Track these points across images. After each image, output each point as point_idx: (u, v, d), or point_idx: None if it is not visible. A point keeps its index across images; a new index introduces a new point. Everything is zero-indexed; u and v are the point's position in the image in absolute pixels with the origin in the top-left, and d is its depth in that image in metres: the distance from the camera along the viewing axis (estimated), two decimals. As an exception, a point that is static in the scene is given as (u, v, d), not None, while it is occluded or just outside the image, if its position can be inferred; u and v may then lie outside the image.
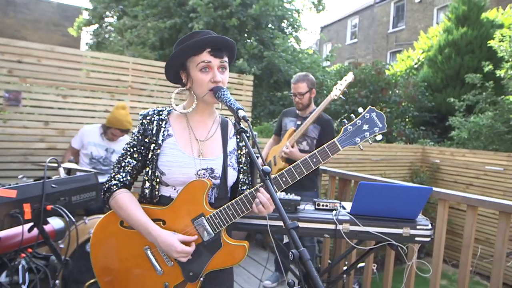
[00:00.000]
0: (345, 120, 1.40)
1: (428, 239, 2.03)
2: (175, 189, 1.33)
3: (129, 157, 1.34)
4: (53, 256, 1.80)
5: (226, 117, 1.50)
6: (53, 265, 1.84)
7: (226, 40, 1.30)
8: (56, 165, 1.94)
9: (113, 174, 1.34)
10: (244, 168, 1.44)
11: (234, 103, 1.20)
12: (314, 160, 1.30)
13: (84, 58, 4.04)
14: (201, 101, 1.35)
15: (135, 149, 1.34)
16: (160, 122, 1.35)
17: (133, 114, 3.95)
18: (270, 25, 8.87)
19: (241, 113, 1.14)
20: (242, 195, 1.27)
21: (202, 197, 1.28)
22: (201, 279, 1.30)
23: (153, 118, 1.35)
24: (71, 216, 1.59)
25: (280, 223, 2.03)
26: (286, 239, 2.14)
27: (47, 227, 1.79)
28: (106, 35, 10.69)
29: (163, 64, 4.45)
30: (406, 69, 10.52)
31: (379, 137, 1.37)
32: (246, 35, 8.78)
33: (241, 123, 1.16)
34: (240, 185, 1.43)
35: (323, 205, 2.17)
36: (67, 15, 15.16)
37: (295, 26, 9.72)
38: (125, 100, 4.15)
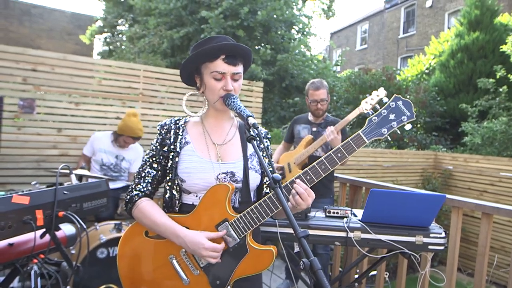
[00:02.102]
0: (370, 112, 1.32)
1: (442, 247, 1.99)
2: (197, 196, 1.32)
3: (148, 167, 1.36)
4: (64, 262, 1.81)
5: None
6: (65, 271, 1.85)
7: (241, 48, 1.29)
8: (68, 171, 1.96)
9: (134, 185, 1.36)
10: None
11: (244, 110, 1.19)
12: (339, 155, 1.23)
13: (96, 66, 4.10)
14: (212, 106, 1.37)
15: (154, 159, 1.36)
16: (177, 131, 1.37)
17: (144, 121, 3.99)
18: (279, 32, 8.89)
19: (251, 120, 1.13)
20: (265, 197, 1.24)
21: (225, 202, 1.25)
22: (228, 287, 1.26)
23: (170, 128, 1.37)
24: (82, 223, 1.60)
25: (291, 231, 2.01)
26: (296, 248, 2.12)
27: (58, 233, 1.80)
28: (118, 43, 10.86)
29: (174, 71, 4.52)
30: (417, 74, 10.43)
31: (408, 127, 1.29)
32: (256, 41, 8.82)
33: (251, 130, 1.15)
34: (265, 188, 1.42)
35: (334, 212, 2.15)
36: (80, 24, 15.47)
37: (305, 32, 9.74)
38: (136, 107, 4.19)
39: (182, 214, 1.30)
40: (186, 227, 1.26)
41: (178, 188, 1.32)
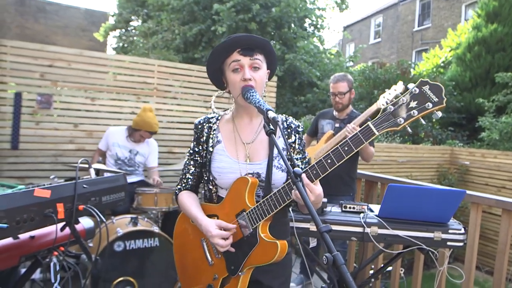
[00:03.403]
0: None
1: (461, 243, 1.95)
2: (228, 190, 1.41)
3: (188, 164, 1.48)
4: (83, 254, 1.85)
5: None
6: (84, 263, 1.88)
7: (255, 39, 1.29)
8: (87, 166, 1.99)
9: (180, 179, 1.51)
10: (303, 161, 1.41)
11: (264, 104, 1.18)
12: (346, 148, 1.15)
13: (111, 61, 4.13)
14: (237, 103, 1.38)
15: (192, 156, 1.47)
16: (210, 129, 1.43)
17: (158, 116, 4.02)
18: (292, 25, 8.83)
19: (271, 114, 1.12)
20: (280, 187, 1.25)
21: (245, 193, 1.31)
22: (240, 273, 1.32)
23: (203, 126, 1.44)
24: (102, 217, 1.62)
25: (307, 225, 2.01)
26: (312, 243, 2.11)
27: (77, 227, 1.83)
28: (131, 38, 10.94)
29: (188, 66, 4.53)
30: (433, 68, 10.23)
31: (437, 115, 1.13)
32: (268, 36, 8.78)
33: (270, 124, 1.14)
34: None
35: (350, 208, 2.13)
36: (94, 21, 15.64)
37: (318, 26, 9.64)
38: (150, 102, 4.22)
39: (215, 204, 1.42)
40: (216, 215, 1.38)
41: (213, 183, 1.41)
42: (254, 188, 1.32)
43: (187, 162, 1.49)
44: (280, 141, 1.38)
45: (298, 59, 8.08)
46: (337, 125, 3.09)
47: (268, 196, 1.26)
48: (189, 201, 1.44)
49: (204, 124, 1.45)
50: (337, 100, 3.04)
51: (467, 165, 6.25)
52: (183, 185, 1.50)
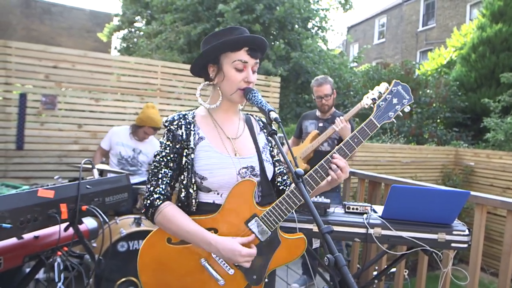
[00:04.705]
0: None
1: (465, 245, 1.94)
2: (218, 193, 1.28)
3: (164, 167, 1.26)
4: (87, 255, 1.85)
5: (246, 113, 1.49)
6: (87, 263, 1.89)
7: (262, 41, 1.28)
8: (90, 166, 2.00)
9: (152, 188, 1.25)
10: (278, 158, 1.44)
11: (266, 104, 1.18)
12: (356, 140, 1.30)
13: (115, 62, 4.15)
14: (227, 98, 1.32)
15: (168, 158, 1.27)
16: (188, 126, 1.29)
17: (162, 117, 4.02)
18: (296, 26, 8.82)
19: (273, 114, 1.12)
20: (292, 187, 1.24)
21: (252, 197, 1.25)
22: (266, 280, 1.29)
23: (180, 123, 1.29)
24: (105, 217, 1.62)
25: (309, 226, 2.00)
26: (315, 244, 2.10)
27: (81, 227, 1.84)
28: (135, 39, 10.97)
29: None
30: (437, 68, 10.18)
31: (408, 108, 1.40)
32: (272, 37, 8.77)
33: (272, 124, 1.14)
34: (278, 177, 1.43)
35: (353, 208, 2.12)
36: (98, 22, 15.71)
37: (322, 27, 9.62)
38: (154, 103, 4.23)
39: (205, 215, 1.26)
40: (215, 229, 1.24)
41: (194, 187, 1.26)
42: (256, 190, 1.28)
43: (162, 165, 1.26)
44: (261, 138, 1.41)
45: (303, 57, 8.06)
46: (320, 124, 3.20)
47: (285, 195, 1.23)
48: (182, 216, 1.22)
49: (180, 120, 1.29)
50: (323, 102, 3.15)
51: (472, 166, 6.21)
52: (160, 196, 1.24)
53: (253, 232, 1.24)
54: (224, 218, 1.25)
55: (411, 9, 19.68)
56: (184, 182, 1.27)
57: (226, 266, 1.25)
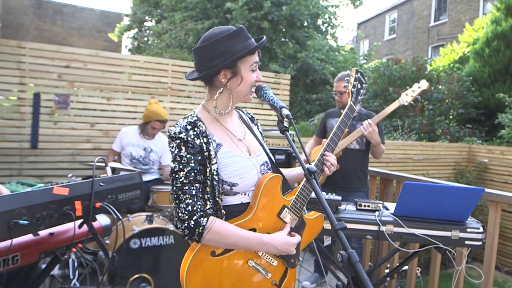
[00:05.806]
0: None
1: (480, 243, 1.91)
2: (245, 194, 1.30)
3: (194, 182, 1.19)
4: (100, 251, 1.88)
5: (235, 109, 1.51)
6: (101, 260, 1.92)
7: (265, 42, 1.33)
8: (103, 164, 2.02)
9: (190, 207, 1.16)
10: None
11: (277, 101, 1.19)
12: (340, 128, 1.58)
13: (126, 61, 4.19)
14: (238, 100, 1.31)
15: (195, 171, 1.19)
16: (204, 135, 1.22)
17: (172, 115, 4.07)
18: (305, 23, 8.79)
19: (285, 111, 1.13)
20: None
21: (280, 191, 1.33)
22: (301, 259, 1.38)
23: (194, 133, 1.21)
24: (118, 214, 1.64)
25: (321, 224, 1.99)
26: (326, 241, 2.10)
27: (95, 224, 1.87)
28: (145, 38, 11.06)
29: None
30: (450, 64, 10.01)
31: (363, 92, 1.71)
32: (281, 34, 8.75)
33: (284, 121, 1.15)
34: None
35: (365, 206, 2.11)
36: (108, 22, 15.88)
37: (331, 24, 9.56)
38: (164, 101, 4.26)
39: (242, 219, 1.26)
40: (254, 228, 1.27)
41: (222, 196, 1.24)
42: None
43: (188, 186, 1.18)
44: (256, 131, 1.47)
45: (310, 56, 8.04)
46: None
47: (304, 182, 1.35)
48: (231, 227, 1.20)
49: (194, 130, 1.21)
50: (337, 98, 3.12)
51: (486, 162, 6.10)
52: (203, 213, 1.17)
53: (286, 222, 1.32)
54: (259, 216, 1.29)
55: (423, 4, 19.39)
56: (210, 192, 1.21)
57: (270, 259, 1.33)
